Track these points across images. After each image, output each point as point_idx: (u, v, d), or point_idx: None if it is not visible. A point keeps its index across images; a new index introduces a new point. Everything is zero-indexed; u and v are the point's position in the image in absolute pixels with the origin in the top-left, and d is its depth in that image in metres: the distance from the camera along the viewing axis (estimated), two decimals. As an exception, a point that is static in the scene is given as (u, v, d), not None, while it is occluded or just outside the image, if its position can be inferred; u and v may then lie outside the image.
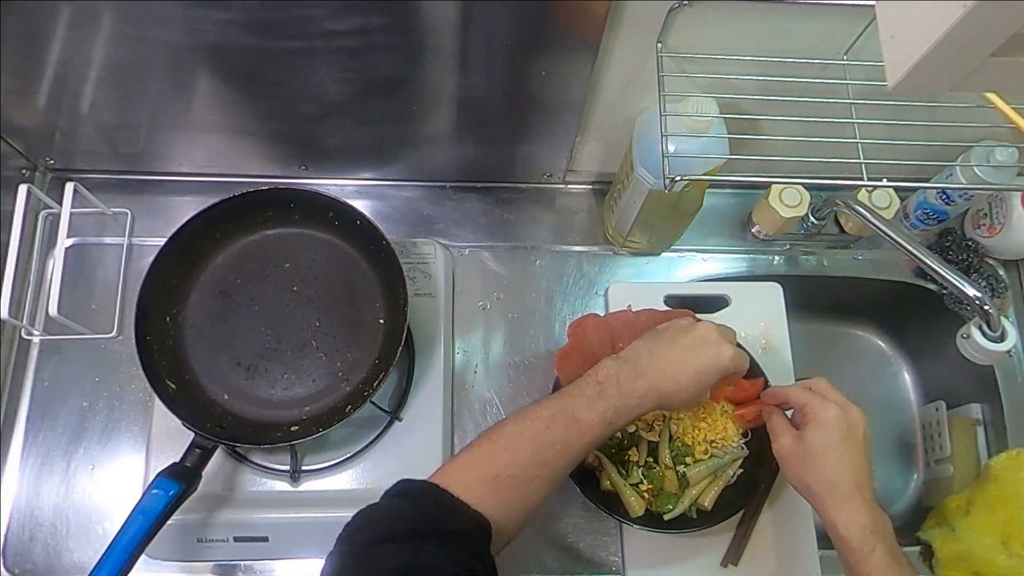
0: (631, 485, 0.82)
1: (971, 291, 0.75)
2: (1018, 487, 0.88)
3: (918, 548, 0.93)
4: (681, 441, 0.84)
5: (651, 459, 0.83)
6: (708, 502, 0.81)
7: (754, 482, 0.84)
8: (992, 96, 0.57)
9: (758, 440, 0.84)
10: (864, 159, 0.74)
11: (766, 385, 0.85)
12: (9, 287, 0.81)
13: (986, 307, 0.76)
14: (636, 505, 0.80)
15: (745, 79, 0.77)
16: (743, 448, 0.84)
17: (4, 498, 0.86)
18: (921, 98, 0.80)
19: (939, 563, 0.89)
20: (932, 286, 1.04)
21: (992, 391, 1.01)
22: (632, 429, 0.83)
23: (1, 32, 0.71)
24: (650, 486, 0.82)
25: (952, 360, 0.87)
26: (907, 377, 1.20)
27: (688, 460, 0.83)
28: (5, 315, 0.81)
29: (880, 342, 1.22)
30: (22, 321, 0.89)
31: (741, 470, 0.84)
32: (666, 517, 0.81)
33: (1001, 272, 1.04)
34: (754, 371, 0.86)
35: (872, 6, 0.58)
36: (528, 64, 0.78)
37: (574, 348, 0.85)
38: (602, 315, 0.89)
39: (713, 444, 0.84)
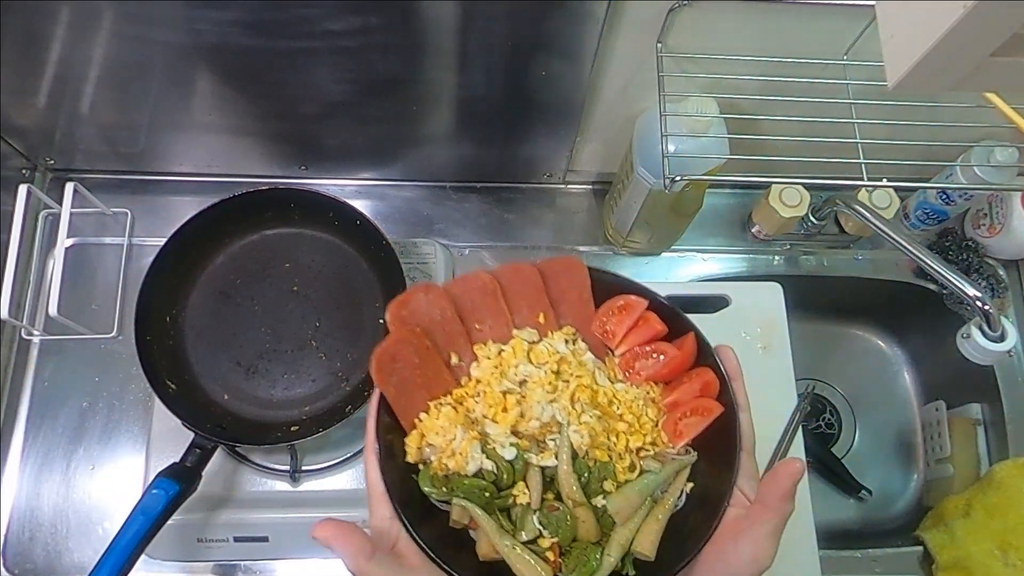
0: (525, 544, 0.51)
1: (971, 291, 0.75)
2: (1021, 496, 0.88)
3: (919, 550, 0.93)
4: (592, 459, 0.54)
5: (550, 496, 0.53)
6: (649, 546, 0.51)
7: (714, 497, 0.51)
8: (992, 96, 0.57)
9: (711, 430, 0.54)
10: (864, 159, 0.74)
11: (700, 345, 0.56)
12: (9, 287, 0.81)
13: (986, 307, 0.76)
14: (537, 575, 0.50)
15: (745, 79, 0.77)
16: (688, 451, 0.55)
17: (4, 498, 0.86)
18: (921, 98, 0.80)
19: (939, 568, 0.89)
20: (932, 286, 1.04)
21: (992, 391, 1.01)
22: (511, 455, 0.53)
23: (1, 32, 0.71)
24: (555, 539, 0.51)
25: (952, 360, 0.87)
26: (907, 377, 1.20)
27: (608, 486, 0.53)
28: (5, 315, 0.81)
29: (880, 342, 1.22)
30: (22, 321, 0.89)
31: (691, 484, 0.54)
32: None
33: (1001, 272, 1.04)
34: (678, 322, 0.57)
35: (872, 6, 0.58)
36: (528, 64, 0.78)
37: (401, 342, 0.53)
38: (439, 283, 0.59)
39: (642, 453, 0.55)
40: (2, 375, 0.90)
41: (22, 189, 0.84)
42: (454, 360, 0.56)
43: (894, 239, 0.81)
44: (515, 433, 0.54)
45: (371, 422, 0.51)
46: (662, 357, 0.57)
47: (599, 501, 0.53)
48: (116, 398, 0.90)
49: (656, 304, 0.57)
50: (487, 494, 0.52)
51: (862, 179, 0.73)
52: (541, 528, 0.52)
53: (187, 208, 0.85)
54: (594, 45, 0.75)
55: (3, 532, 0.84)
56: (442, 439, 0.52)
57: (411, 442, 0.53)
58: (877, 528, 1.10)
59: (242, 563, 0.85)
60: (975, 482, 0.95)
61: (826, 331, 1.21)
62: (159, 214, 0.98)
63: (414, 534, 0.48)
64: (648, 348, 0.57)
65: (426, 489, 0.52)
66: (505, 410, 0.54)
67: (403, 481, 0.52)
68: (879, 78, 0.47)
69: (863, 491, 1.10)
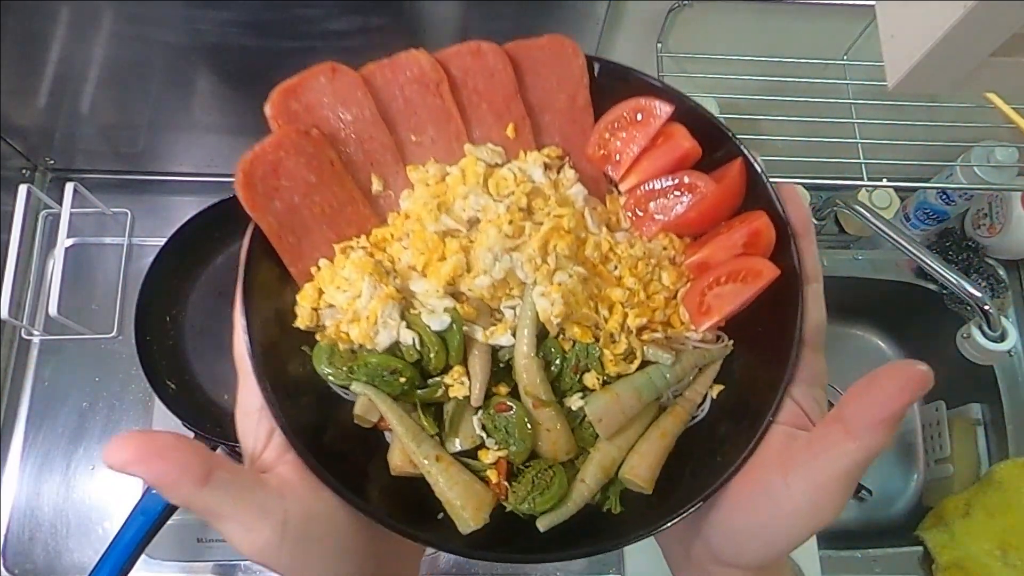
0: (457, 457, 0.36)
1: (971, 291, 0.75)
2: (1021, 497, 0.88)
3: (919, 550, 0.93)
4: (569, 339, 0.36)
5: (502, 389, 0.37)
6: (646, 472, 0.35)
7: (755, 407, 0.35)
8: (992, 96, 0.57)
9: (758, 308, 0.37)
10: (864, 159, 0.74)
11: (751, 178, 0.37)
12: (9, 287, 0.81)
13: (986, 307, 0.76)
14: (470, 504, 0.34)
15: (745, 79, 0.77)
16: (719, 337, 0.38)
17: (4, 498, 0.86)
18: (921, 98, 0.80)
19: (939, 568, 0.89)
20: (932, 286, 1.04)
21: (992, 391, 1.01)
22: (442, 324, 0.35)
23: (1, 32, 0.71)
24: (503, 453, 0.36)
25: (952, 360, 0.86)
26: (907, 377, 1.20)
27: (590, 380, 0.36)
28: (5, 315, 0.80)
29: (880, 342, 1.22)
30: (22, 321, 0.89)
31: (720, 387, 0.38)
32: (543, 522, 0.35)
33: (1001, 272, 1.04)
34: (720, 142, 0.38)
35: (872, 6, 0.58)
36: (528, 64, 0.78)
37: (287, 149, 0.39)
38: (354, 69, 0.39)
39: (646, 335, 0.37)
40: (2, 375, 0.90)
41: (22, 189, 0.84)
42: (376, 187, 0.38)
43: (894, 239, 0.81)
44: (454, 295, 0.36)
45: (242, 269, 0.37)
46: (690, 195, 0.37)
47: (575, 402, 0.36)
48: (116, 398, 0.90)
49: (686, 112, 0.37)
50: (403, 379, 0.35)
51: (862, 179, 0.73)
52: (484, 435, 0.36)
53: (187, 208, 0.85)
54: (594, 45, 0.75)
55: (3, 532, 0.84)
56: (345, 297, 0.35)
57: (303, 300, 0.37)
58: (877, 528, 1.10)
59: (242, 563, 0.85)
60: (975, 482, 0.95)
61: (826, 331, 1.21)
62: (159, 214, 0.98)
63: (287, 428, 0.32)
64: (670, 181, 0.38)
65: (324, 369, 0.36)
66: (442, 259, 0.36)
67: (289, 357, 0.36)
68: (879, 78, 0.47)
69: (863, 491, 1.10)
